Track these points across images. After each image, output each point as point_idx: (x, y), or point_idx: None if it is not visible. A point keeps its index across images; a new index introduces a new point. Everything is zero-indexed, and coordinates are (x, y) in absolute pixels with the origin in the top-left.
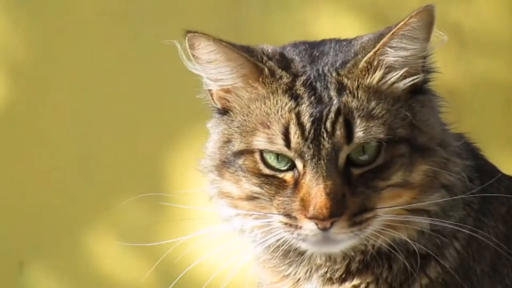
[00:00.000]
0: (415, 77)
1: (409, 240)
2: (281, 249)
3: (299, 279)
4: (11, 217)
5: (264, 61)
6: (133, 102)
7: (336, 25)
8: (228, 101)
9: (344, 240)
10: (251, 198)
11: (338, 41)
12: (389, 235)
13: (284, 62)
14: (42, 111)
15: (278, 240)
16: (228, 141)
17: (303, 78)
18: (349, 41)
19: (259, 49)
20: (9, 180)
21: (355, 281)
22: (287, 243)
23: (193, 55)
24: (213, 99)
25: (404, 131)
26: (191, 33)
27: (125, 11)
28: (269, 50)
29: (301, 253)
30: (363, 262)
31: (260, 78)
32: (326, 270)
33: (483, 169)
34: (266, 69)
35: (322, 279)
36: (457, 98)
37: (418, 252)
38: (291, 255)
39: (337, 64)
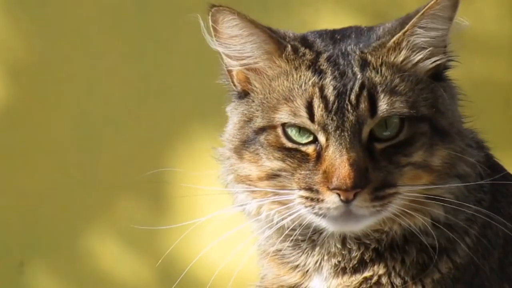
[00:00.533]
0: (439, 57)
1: (422, 229)
2: (296, 233)
3: (307, 270)
4: (11, 217)
5: (287, 39)
6: (133, 102)
7: (336, 25)
8: (249, 81)
9: (366, 216)
10: (271, 176)
11: (359, 27)
12: (406, 221)
13: (306, 42)
14: (42, 111)
15: (295, 219)
16: (249, 120)
17: (326, 54)
18: (371, 27)
19: (281, 30)
20: (9, 180)
21: (367, 273)
22: (303, 224)
23: (216, 31)
24: (233, 81)
25: (427, 110)
26: (215, 7)
27: (125, 11)
28: (291, 34)
29: (314, 241)
30: (377, 252)
31: (284, 55)
32: (340, 259)
33: (493, 167)
34: (289, 46)
35: (334, 269)
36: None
37: (431, 245)
38: (303, 243)
39: (361, 45)
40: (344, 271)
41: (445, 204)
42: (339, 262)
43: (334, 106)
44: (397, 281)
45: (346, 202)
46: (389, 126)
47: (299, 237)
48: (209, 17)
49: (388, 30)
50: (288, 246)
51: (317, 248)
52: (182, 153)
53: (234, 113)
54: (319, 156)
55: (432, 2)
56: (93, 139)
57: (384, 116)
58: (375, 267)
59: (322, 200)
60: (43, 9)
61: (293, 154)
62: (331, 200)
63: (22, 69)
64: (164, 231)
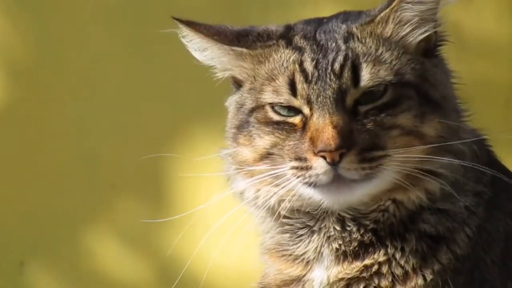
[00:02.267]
0: (427, 28)
1: (421, 215)
2: (294, 219)
3: (308, 261)
4: (11, 217)
5: (253, 38)
6: (133, 102)
7: None
8: (235, 75)
9: (357, 181)
10: (265, 156)
11: (348, 11)
12: (401, 194)
13: (287, 31)
14: (42, 111)
15: (291, 197)
16: (241, 106)
17: (301, 33)
18: (360, 11)
19: (256, 28)
20: (9, 180)
21: (367, 261)
22: (301, 207)
23: (189, 43)
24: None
25: (413, 78)
26: (181, 23)
27: (124, 11)
28: (272, 28)
29: (311, 227)
30: (377, 234)
31: (257, 51)
32: (341, 242)
33: (494, 163)
34: (258, 44)
35: (335, 254)
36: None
37: (430, 234)
38: (300, 231)
39: (348, 22)
40: (345, 255)
41: (440, 181)
42: (340, 245)
43: (314, 76)
44: (398, 271)
45: (333, 164)
46: (374, 94)
47: (297, 225)
48: (179, 33)
49: (377, 9)
50: (287, 237)
51: (315, 235)
52: (182, 153)
53: (231, 104)
54: (305, 126)
55: None
56: (93, 139)
57: (368, 86)
58: (376, 254)
59: (311, 167)
60: (43, 9)
61: (281, 127)
62: (319, 164)
63: (21, 69)
64: (164, 231)
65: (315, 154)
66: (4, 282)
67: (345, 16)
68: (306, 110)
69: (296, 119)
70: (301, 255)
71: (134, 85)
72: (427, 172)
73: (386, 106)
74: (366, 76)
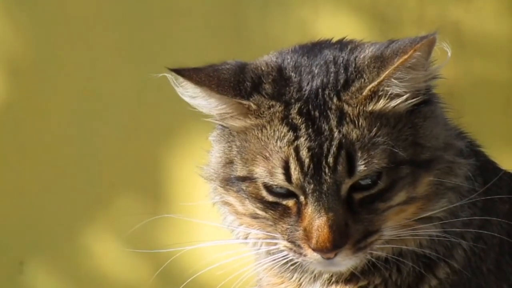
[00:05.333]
0: (418, 98)
1: (417, 249)
2: (286, 260)
3: (301, 284)
4: (11, 217)
5: (248, 94)
6: (133, 101)
7: (336, 25)
8: (225, 125)
9: (350, 263)
10: (256, 217)
11: (339, 48)
12: (396, 248)
13: (279, 83)
14: (41, 111)
15: (283, 256)
16: (230, 163)
17: (298, 105)
18: (350, 50)
19: (249, 71)
20: (9, 180)
21: (362, 282)
22: (292, 260)
23: (182, 89)
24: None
25: (407, 153)
26: (174, 71)
27: (124, 11)
28: (263, 68)
29: (302, 266)
30: (370, 264)
31: (249, 113)
32: (331, 275)
33: (485, 167)
34: (252, 104)
35: (328, 282)
36: (457, 98)
37: (428, 254)
38: (292, 266)
39: (339, 86)
40: (337, 282)
41: (438, 223)
42: (330, 277)
43: (310, 169)
44: None
45: (328, 259)
46: (369, 178)
47: (288, 262)
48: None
49: (368, 65)
50: (279, 267)
51: (306, 269)
52: (182, 152)
53: (216, 144)
54: (299, 211)
55: (405, 56)
56: (93, 139)
57: (363, 175)
58: (370, 276)
59: (305, 255)
60: (43, 9)
61: (274, 207)
62: (313, 257)
63: (20, 68)
64: (164, 231)
65: (310, 247)
66: (4, 281)
67: (336, 65)
68: (301, 197)
69: (290, 202)
70: (294, 279)
71: (134, 84)
72: (424, 220)
73: (381, 192)
74: (361, 167)
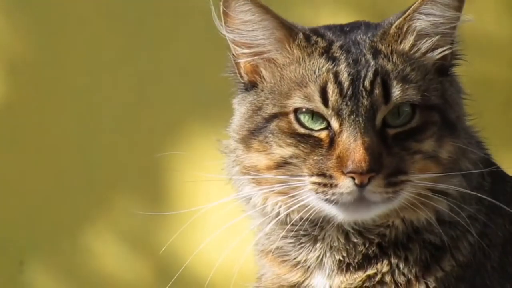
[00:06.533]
0: (445, 48)
1: (426, 226)
2: (298, 228)
3: (309, 267)
4: (11, 217)
5: (299, 27)
6: (133, 101)
7: None
8: (257, 71)
9: (378, 203)
10: (281, 165)
11: (368, 21)
12: (410, 215)
13: (317, 32)
14: (41, 111)
15: (301, 209)
16: (258, 109)
17: (338, 43)
18: (379, 23)
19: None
20: (9, 180)
21: (370, 271)
22: (309, 216)
23: (227, 16)
24: (240, 72)
25: (437, 100)
26: None
27: (124, 11)
28: (300, 26)
29: (316, 236)
30: (381, 247)
31: (296, 42)
32: (345, 254)
33: (492, 167)
34: (301, 33)
35: (338, 265)
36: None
37: (434, 243)
38: (304, 238)
39: (369, 34)
40: (348, 267)
41: (449, 200)
42: (343, 257)
43: (349, 91)
44: (401, 279)
45: (361, 186)
46: (402, 114)
47: (301, 232)
48: (221, 2)
49: (393, 19)
50: (289, 242)
51: (319, 243)
52: (183, 152)
53: (242, 104)
54: (332, 142)
55: None
56: (93, 138)
57: (398, 103)
58: (379, 264)
59: (336, 185)
60: (43, 9)
61: (305, 140)
62: (345, 184)
63: (21, 68)
64: (164, 231)
65: (343, 173)
66: (4, 281)
67: (366, 27)
68: (335, 123)
69: (322, 134)
70: (302, 261)
71: (135, 84)
72: (438, 192)
73: (413, 131)
74: (396, 92)
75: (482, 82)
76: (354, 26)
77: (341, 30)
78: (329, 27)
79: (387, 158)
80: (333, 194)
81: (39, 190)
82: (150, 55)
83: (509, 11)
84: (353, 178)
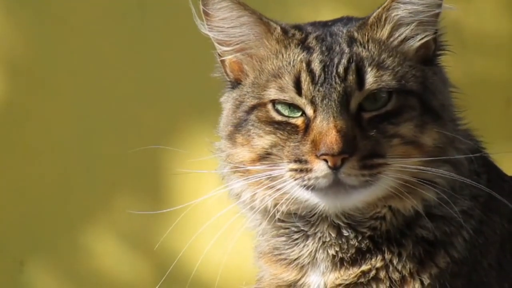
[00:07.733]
0: (425, 34)
1: (417, 221)
2: (289, 223)
3: (303, 265)
4: (11, 217)
5: (276, 22)
6: (133, 101)
7: None
8: (241, 67)
9: (356, 187)
10: (263, 157)
11: (351, 17)
12: (397, 202)
13: (297, 27)
14: (42, 111)
15: (287, 201)
16: (240, 104)
17: (315, 34)
18: (362, 17)
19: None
20: (9, 180)
21: (364, 266)
22: (297, 205)
23: (207, 14)
24: (226, 71)
25: (416, 86)
26: None
27: (124, 11)
28: (282, 23)
29: (306, 232)
30: (374, 241)
31: (273, 36)
32: (338, 249)
33: (489, 166)
34: (279, 27)
35: (332, 261)
36: (456, 98)
37: (427, 239)
38: (295, 235)
39: (348, 25)
40: (342, 262)
41: (437, 188)
42: (336, 252)
43: (321, 78)
44: (395, 276)
45: (334, 168)
46: (379, 100)
47: (293, 229)
48: (200, 1)
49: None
50: (282, 241)
51: (310, 239)
52: (182, 152)
53: (228, 101)
54: (307, 128)
55: None
56: (93, 138)
57: (372, 89)
58: (373, 260)
59: (311, 170)
60: (43, 9)
61: (283, 127)
62: (320, 168)
63: (21, 68)
64: (164, 231)
65: (317, 157)
66: (4, 281)
67: (347, 21)
68: (309, 111)
69: (299, 120)
70: (296, 259)
71: (135, 84)
72: (424, 180)
73: (389, 114)
74: (370, 79)
75: (482, 81)
76: (337, 20)
77: (324, 24)
78: (313, 23)
79: (362, 141)
80: (309, 179)
81: (39, 190)
82: (151, 55)
83: (509, 11)
84: (326, 161)
